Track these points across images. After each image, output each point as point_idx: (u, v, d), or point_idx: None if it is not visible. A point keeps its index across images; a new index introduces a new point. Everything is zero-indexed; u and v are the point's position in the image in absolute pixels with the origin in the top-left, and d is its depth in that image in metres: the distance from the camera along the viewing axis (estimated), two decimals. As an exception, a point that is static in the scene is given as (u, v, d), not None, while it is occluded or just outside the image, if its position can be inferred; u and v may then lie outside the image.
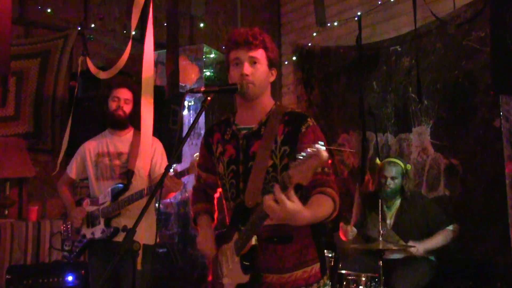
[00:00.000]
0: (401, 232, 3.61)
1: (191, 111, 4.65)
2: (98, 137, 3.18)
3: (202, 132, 4.59)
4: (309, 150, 1.49)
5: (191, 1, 4.74)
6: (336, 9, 5.08)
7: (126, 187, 2.99)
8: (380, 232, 3.35)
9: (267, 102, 1.96)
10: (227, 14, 5.66)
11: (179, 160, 4.31)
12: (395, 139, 4.50)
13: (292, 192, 1.56)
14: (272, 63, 1.94)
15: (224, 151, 1.96)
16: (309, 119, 1.88)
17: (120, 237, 2.96)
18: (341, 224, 3.73)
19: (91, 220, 3.06)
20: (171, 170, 2.80)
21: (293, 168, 1.52)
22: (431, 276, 3.54)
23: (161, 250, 4.46)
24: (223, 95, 4.67)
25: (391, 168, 3.67)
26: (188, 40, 5.31)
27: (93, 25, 4.68)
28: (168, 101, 4.06)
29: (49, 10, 4.53)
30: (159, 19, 4.89)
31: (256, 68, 1.88)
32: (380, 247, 3.23)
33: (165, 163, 3.10)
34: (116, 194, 2.99)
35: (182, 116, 4.48)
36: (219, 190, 2.06)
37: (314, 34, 5.19)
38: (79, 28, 4.58)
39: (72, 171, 3.20)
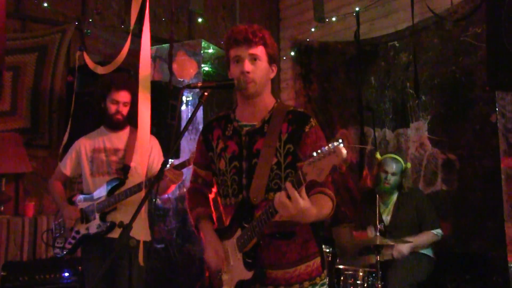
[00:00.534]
0: (396, 230, 3.62)
1: (189, 106, 4.64)
2: (93, 134, 3.14)
3: (200, 127, 4.59)
4: (326, 147, 1.49)
5: (190, -4, 4.72)
6: (335, 4, 5.07)
7: (122, 182, 2.97)
8: (377, 227, 3.36)
9: (269, 99, 1.96)
10: (226, 9, 5.65)
11: (177, 155, 4.30)
12: (393, 134, 4.51)
13: (304, 190, 1.58)
14: (272, 59, 1.94)
15: (225, 147, 1.95)
16: (311, 120, 1.90)
17: (115, 233, 2.93)
18: (356, 233, 3.79)
19: (85, 216, 3.01)
20: (169, 164, 2.78)
21: (308, 165, 1.53)
22: (429, 272, 3.55)
23: (159, 246, 4.46)
24: (221, 91, 4.68)
25: (392, 164, 3.68)
26: (187, 35, 5.30)
27: (90, 20, 4.66)
28: (165, 96, 4.05)
29: (46, 4, 4.50)
30: (158, 14, 4.89)
31: (256, 65, 1.88)
32: (377, 242, 3.24)
33: (162, 160, 3.08)
34: (112, 189, 2.96)
35: (180, 111, 4.47)
36: (214, 190, 2.06)
37: (313, 29, 5.19)
38: (77, 23, 4.56)
39: (67, 168, 3.14)
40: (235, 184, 1.92)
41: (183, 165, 2.78)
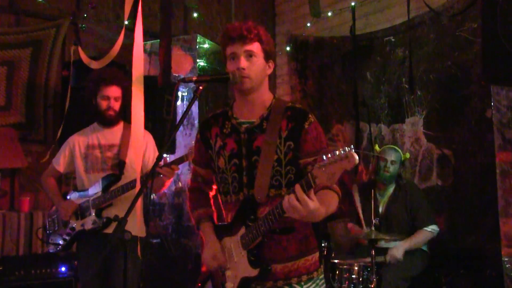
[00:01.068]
0: (388, 222, 3.63)
1: (185, 101, 4.63)
2: (87, 130, 3.13)
3: (196, 122, 4.58)
4: (337, 152, 1.50)
5: (185, -9, 4.71)
6: (330, -1, 5.06)
7: (117, 178, 2.96)
8: (373, 222, 3.38)
9: (266, 95, 1.96)
10: (221, 4, 5.63)
11: (172, 151, 4.29)
12: (388, 129, 4.52)
13: (312, 192, 1.60)
14: (269, 56, 1.94)
15: (224, 145, 1.95)
16: (310, 116, 1.91)
17: (110, 229, 2.92)
18: (351, 225, 3.79)
19: (80, 212, 3.00)
20: (162, 160, 2.77)
21: (318, 169, 1.54)
22: (424, 266, 3.57)
23: (155, 241, 4.46)
24: (217, 85, 4.67)
25: (392, 153, 3.71)
26: (182, 30, 5.28)
27: (85, 15, 4.63)
28: (161, 91, 4.04)
29: (40, -1, 4.48)
30: (153, 9, 4.86)
31: (252, 61, 1.88)
32: (373, 236, 3.25)
33: (157, 155, 3.08)
34: (107, 185, 2.95)
35: (175, 106, 4.46)
36: (214, 187, 2.07)
37: (308, 24, 5.17)
38: (71, 18, 4.53)
39: (60, 164, 3.13)
40: (236, 182, 1.92)
41: (181, 160, 2.78)
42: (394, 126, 4.48)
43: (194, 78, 1.87)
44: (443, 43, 4.12)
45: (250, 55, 1.88)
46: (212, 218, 2.06)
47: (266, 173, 1.85)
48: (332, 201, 1.80)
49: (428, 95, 4.20)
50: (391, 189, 3.74)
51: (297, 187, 1.59)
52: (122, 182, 2.94)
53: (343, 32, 4.82)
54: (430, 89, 4.19)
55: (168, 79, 4.13)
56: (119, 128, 3.10)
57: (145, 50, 4.35)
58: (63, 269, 3.72)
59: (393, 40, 4.51)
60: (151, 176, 1.85)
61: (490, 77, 3.03)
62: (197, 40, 4.69)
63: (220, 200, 2.03)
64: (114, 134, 3.08)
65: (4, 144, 4.15)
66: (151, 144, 3.10)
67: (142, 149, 2.92)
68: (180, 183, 4.59)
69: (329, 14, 4.94)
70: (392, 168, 3.67)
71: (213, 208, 2.10)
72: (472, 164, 3.89)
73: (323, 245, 3.56)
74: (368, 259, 3.32)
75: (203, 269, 2.04)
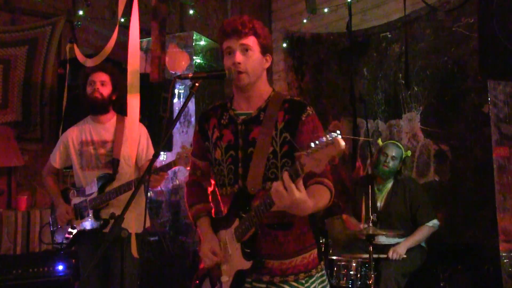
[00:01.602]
0: (388, 218, 3.63)
1: (181, 99, 4.62)
2: (80, 124, 3.11)
3: (192, 119, 4.57)
4: (324, 138, 1.47)
5: (181, -12, 4.69)
6: (327, -5, 5.05)
7: (112, 177, 2.95)
8: (370, 218, 3.38)
9: (264, 88, 1.96)
10: (217, 1, 5.62)
11: (169, 149, 4.28)
12: (385, 125, 4.52)
13: (301, 182, 1.57)
14: (266, 49, 1.92)
15: (221, 136, 1.94)
16: (308, 108, 1.90)
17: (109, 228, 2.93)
18: (346, 216, 3.79)
19: (79, 212, 3.00)
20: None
21: (306, 156, 1.51)
22: (422, 262, 3.58)
23: (152, 238, 4.46)
24: (213, 82, 4.66)
25: (393, 148, 3.71)
26: (178, 28, 5.27)
27: (81, 12, 4.61)
28: (157, 89, 4.03)
29: (35, -3, 4.46)
30: (149, 7, 4.84)
31: (248, 55, 1.87)
32: (370, 232, 3.25)
33: (151, 149, 3.06)
34: (103, 185, 2.94)
35: (172, 103, 4.45)
36: (213, 182, 2.05)
37: (305, 20, 5.16)
38: (67, 15, 4.51)
39: (56, 160, 3.13)
40: (231, 174, 1.91)
41: (169, 166, 2.77)
42: (391, 122, 4.48)
43: (190, 75, 1.86)
44: (440, 39, 4.12)
45: (245, 49, 1.87)
46: (210, 214, 2.04)
47: (260, 164, 1.83)
48: (322, 197, 1.76)
49: (425, 90, 4.20)
50: (389, 185, 3.74)
51: (285, 175, 1.56)
52: (118, 180, 2.93)
53: (340, 28, 4.81)
54: (426, 85, 4.19)
55: (161, 75, 4.10)
56: (112, 122, 3.07)
57: (141, 48, 4.34)
58: (60, 267, 3.72)
59: (389, 36, 4.50)
60: (146, 173, 1.85)
61: (487, 72, 3.03)
62: (193, 37, 4.68)
63: (218, 194, 2.02)
64: (107, 130, 3.05)
65: (1, 143, 4.14)
66: (144, 137, 3.06)
67: (136, 145, 2.90)
68: (177, 180, 4.58)
69: (325, 10, 4.93)
70: (391, 164, 3.67)
71: (211, 204, 2.08)
72: (469, 159, 3.90)
73: (321, 241, 3.56)
74: (366, 255, 3.32)
75: (201, 266, 2.04)
